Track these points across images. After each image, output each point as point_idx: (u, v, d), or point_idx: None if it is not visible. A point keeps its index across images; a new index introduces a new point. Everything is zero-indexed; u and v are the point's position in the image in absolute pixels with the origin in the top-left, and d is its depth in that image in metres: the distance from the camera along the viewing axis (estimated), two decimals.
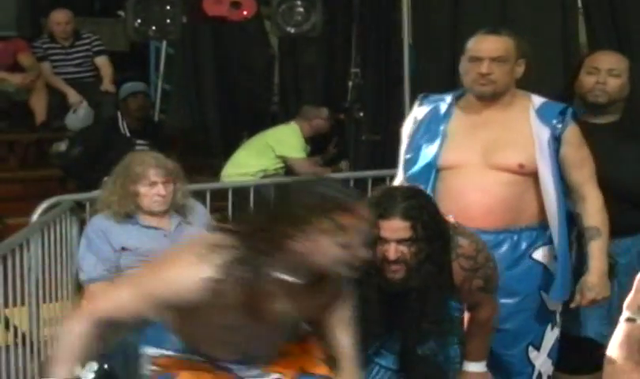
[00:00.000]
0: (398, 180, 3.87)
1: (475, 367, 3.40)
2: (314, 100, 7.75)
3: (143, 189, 4.31)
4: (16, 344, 4.22)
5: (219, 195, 5.67)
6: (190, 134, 8.15)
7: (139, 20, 6.61)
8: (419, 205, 3.06)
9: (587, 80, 3.92)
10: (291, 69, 8.13)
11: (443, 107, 3.76)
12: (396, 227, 3.02)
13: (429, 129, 3.74)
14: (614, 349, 1.97)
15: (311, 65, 7.99)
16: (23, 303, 4.24)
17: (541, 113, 3.65)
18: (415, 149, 3.75)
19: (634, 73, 6.38)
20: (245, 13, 7.05)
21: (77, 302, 4.62)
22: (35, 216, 4.68)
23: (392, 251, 3.03)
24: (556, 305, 3.74)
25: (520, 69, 3.70)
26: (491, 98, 3.68)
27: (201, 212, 4.60)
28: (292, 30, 6.88)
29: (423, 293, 3.08)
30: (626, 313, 1.97)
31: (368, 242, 2.91)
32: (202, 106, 7.96)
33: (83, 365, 3.97)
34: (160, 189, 4.32)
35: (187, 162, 6.21)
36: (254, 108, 8.16)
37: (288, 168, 7.00)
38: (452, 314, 3.33)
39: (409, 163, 3.76)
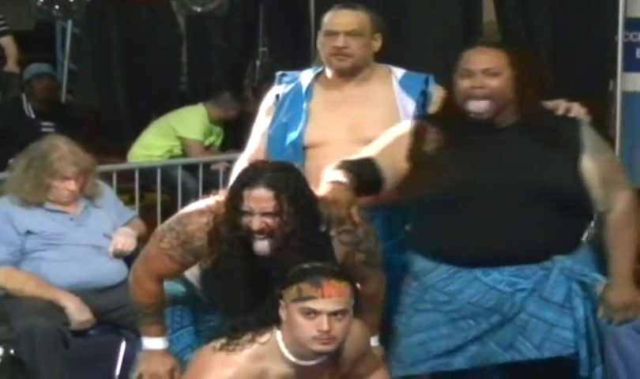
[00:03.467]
0: (245, 157, 3.71)
1: None
2: (222, 80, 7.75)
3: (56, 183, 4.29)
4: None
5: (126, 176, 5.64)
6: (98, 115, 8.08)
7: None
8: (286, 177, 3.03)
9: (461, 85, 3.24)
10: (198, 48, 8.10)
11: (304, 85, 3.75)
12: (260, 197, 2.99)
13: (292, 107, 3.73)
14: None
15: (219, 45, 7.97)
16: None
17: (405, 85, 3.68)
18: (278, 127, 3.72)
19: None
20: None
21: None
22: None
23: (256, 222, 3.00)
24: None
25: (377, 44, 3.71)
26: (349, 73, 3.68)
27: (108, 195, 4.59)
28: (199, 9, 6.87)
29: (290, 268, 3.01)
30: None
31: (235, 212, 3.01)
32: (110, 87, 7.89)
33: None
34: (71, 184, 4.30)
35: (95, 143, 6.18)
36: (162, 88, 8.11)
37: (184, 149, 7.00)
38: None
39: (273, 141, 3.71)
